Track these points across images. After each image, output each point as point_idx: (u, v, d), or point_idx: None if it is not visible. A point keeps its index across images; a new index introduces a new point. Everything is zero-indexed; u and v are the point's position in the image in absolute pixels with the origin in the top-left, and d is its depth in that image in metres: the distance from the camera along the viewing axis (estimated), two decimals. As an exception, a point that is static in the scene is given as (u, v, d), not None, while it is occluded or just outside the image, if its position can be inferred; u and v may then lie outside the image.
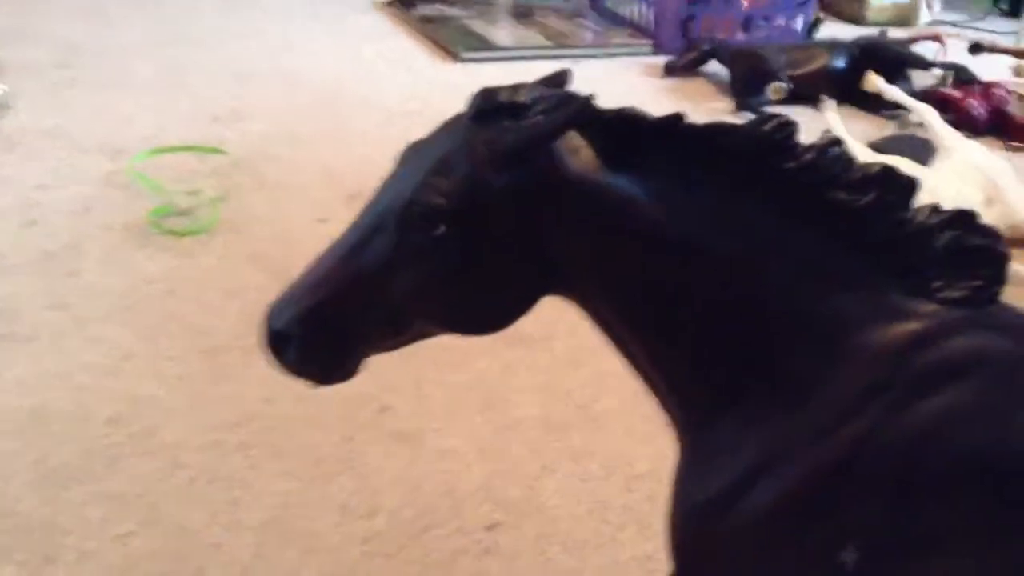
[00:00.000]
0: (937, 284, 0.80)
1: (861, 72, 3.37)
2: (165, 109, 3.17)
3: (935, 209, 0.82)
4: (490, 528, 1.58)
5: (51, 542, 1.51)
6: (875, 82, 3.14)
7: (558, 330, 2.03)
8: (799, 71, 3.48)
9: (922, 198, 2.75)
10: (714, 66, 3.73)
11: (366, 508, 1.63)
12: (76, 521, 1.55)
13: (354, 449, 1.75)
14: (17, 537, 1.51)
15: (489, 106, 0.85)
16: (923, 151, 2.79)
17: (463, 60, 3.84)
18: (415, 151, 0.91)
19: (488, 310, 0.90)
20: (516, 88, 0.87)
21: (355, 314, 0.89)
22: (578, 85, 3.54)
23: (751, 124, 0.83)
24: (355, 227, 0.91)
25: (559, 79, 0.93)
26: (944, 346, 0.78)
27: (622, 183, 0.84)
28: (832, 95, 3.36)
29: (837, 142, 0.82)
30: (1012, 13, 5.25)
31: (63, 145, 2.86)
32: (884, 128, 3.31)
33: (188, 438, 1.75)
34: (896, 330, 0.79)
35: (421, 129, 3.41)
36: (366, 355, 0.95)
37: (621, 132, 0.84)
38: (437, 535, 1.57)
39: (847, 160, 0.81)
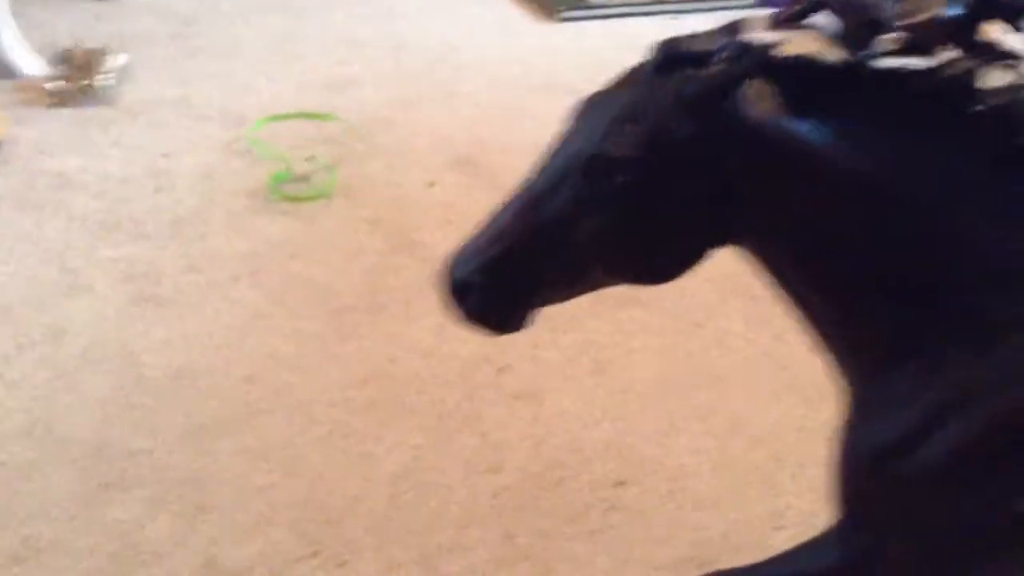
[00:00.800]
0: None
1: (977, 20, 3.24)
2: (279, 77, 3.26)
3: None
4: (618, 484, 1.62)
5: (202, 493, 1.60)
6: (993, 31, 3.02)
7: (668, 291, 2.05)
8: (911, 20, 3.37)
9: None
10: (823, 18, 3.64)
11: (492, 463, 1.68)
12: (223, 473, 1.64)
13: (476, 407, 1.81)
14: (171, 488, 1.61)
15: (673, 56, 0.87)
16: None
17: (562, 19, 3.83)
18: (594, 104, 0.92)
19: (666, 258, 0.91)
20: (697, 37, 0.88)
21: (537, 263, 0.92)
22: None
23: (938, 67, 0.84)
24: (536, 178, 0.93)
25: (736, 27, 0.92)
26: None
27: (806, 128, 0.84)
28: (947, 44, 3.25)
29: (1022, 88, 0.81)
30: None
31: (184, 114, 2.97)
32: (1002, 79, 3.20)
33: (321, 395, 1.82)
34: None
35: (524, 91, 3.44)
36: (539, 306, 0.98)
37: (805, 77, 0.84)
38: (566, 490, 1.62)
39: None
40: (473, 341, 2.00)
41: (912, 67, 0.85)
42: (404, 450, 1.71)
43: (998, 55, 3.54)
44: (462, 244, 0.97)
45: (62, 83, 2.99)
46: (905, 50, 3.82)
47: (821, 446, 1.66)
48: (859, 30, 4.04)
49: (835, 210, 0.84)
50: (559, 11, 3.85)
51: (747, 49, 0.87)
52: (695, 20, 3.83)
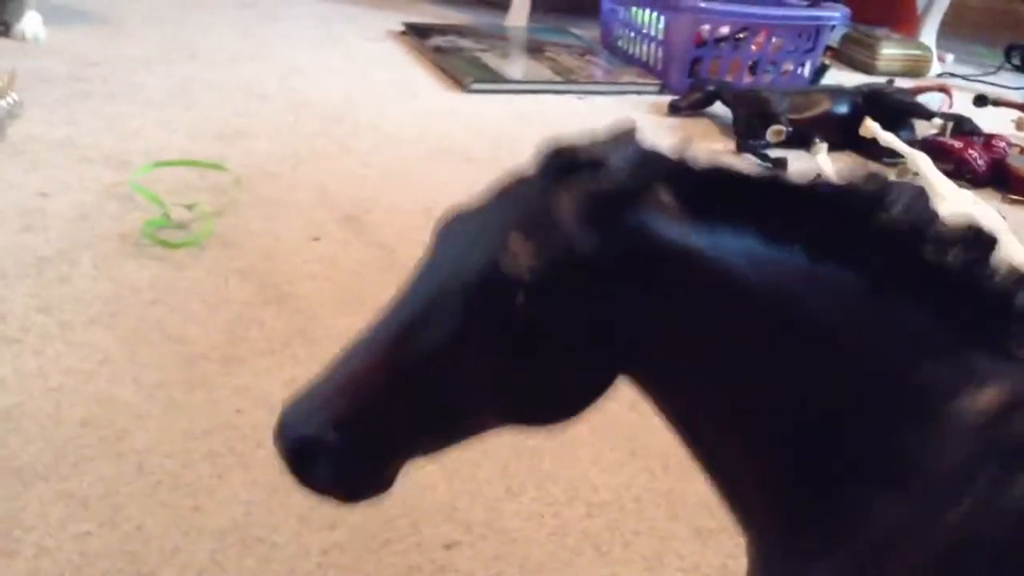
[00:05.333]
0: (1020, 344, 0.74)
1: (863, 119, 3.39)
2: (172, 124, 3.23)
3: (1012, 267, 0.77)
4: (448, 547, 1.59)
5: (11, 537, 1.52)
6: (871, 128, 3.15)
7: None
8: (801, 115, 3.51)
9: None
10: (718, 107, 3.76)
11: (327, 520, 1.63)
12: (37, 518, 1.56)
13: (321, 463, 1.76)
14: (-22, 532, 1.53)
15: (569, 162, 0.76)
16: (918, 198, 2.80)
17: (470, 90, 3.89)
18: (463, 222, 0.79)
19: (564, 395, 0.79)
20: (594, 143, 0.78)
21: (406, 413, 0.77)
22: (583, 116, 3.62)
23: (849, 178, 0.78)
24: (400, 309, 0.77)
25: (628, 134, 0.81)
26: None
27: (715, 246, 0.75)
28: (833, 140, 3.39)
29: (923, 194, 0.77)
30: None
31: (68, 155, 2.92)
32: (884, 175, 3.33)
33: (157, 444, 1.76)
34: (986, 397, 0.72)
35: (420, 155, 3.49)
36: (406, 461, 0.82)
37: (713, 190, 0.76)
38: (395, 551, 1.58)
39: (933, 215, 0.76)
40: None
41: (826, 180, 0.78)
42: (236, 504, 1.65)
43: (880, 152, 3.67)
44: (299, 392, 0.81)
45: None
46: (789, 142, 3.99)
47: (658, 515, 1.66)
48: (750, 121, 4.23)
49: (742, 339, 0.76)
50: (468, 82, 3.91)
51: (651, 156, 0.78)
52: (602, 100, 3.93)
